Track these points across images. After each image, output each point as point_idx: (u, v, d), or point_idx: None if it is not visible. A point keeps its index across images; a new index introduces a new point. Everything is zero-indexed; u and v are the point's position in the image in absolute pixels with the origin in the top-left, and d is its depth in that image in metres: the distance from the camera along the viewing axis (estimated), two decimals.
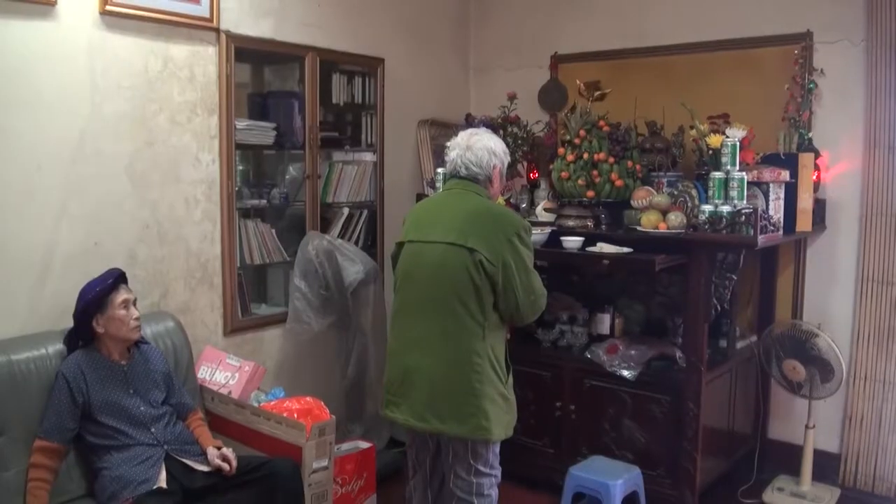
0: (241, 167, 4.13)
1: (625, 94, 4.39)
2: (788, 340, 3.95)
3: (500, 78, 5.17)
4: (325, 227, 4.35)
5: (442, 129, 4.80)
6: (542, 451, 4.05)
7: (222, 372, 3.56)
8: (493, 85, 5.15)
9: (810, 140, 4.02)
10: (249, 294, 4.09)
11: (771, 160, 3.84)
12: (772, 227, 3.49)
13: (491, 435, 2.81)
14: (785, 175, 3.72)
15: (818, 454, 4.08)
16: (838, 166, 4.11)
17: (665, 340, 3.94)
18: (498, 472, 2.97)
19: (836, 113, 4.09)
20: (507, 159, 3.01)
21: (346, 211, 4.46)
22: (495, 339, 2.85)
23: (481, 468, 2.89)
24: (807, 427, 4.01)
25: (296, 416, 3.28)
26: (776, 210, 3.68)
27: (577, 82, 4.29)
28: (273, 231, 4.13)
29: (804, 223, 3.85)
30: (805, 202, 3.84)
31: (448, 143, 3.01)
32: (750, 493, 4.07)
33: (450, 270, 2.78)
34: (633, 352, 3.79)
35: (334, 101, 4.44)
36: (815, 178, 3.96)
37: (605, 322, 4.04)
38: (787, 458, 4.20)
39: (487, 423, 2.78)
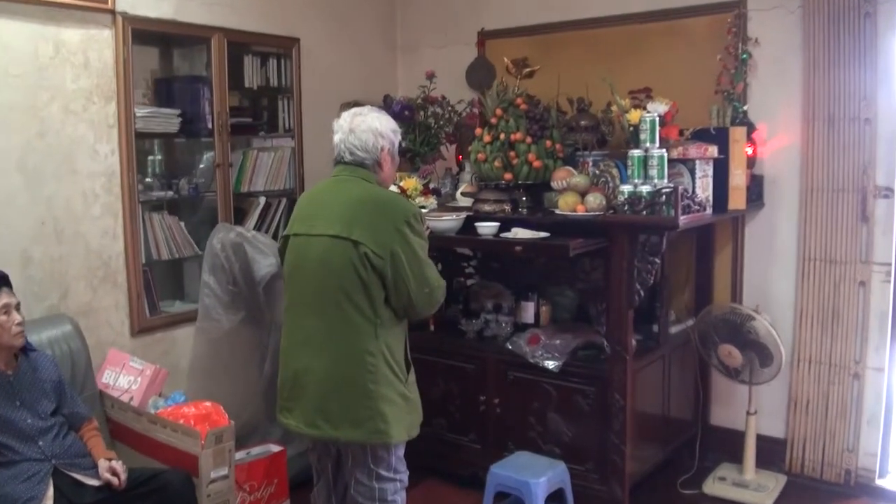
0: (149, 157, 3.98)
1: (554, 70, 4.16)
2: (723, 324, 3.80)
3: (427, 57, 5.01)
4: (240, 218, 4.19)
5: None
6: (469, 446, 3.85)
7: (126, 376, 3.41)
8: (420, 64, 4.94)
9: (745, 113, 3.89)
10: (158, 291, 3.93)
11: (701, 135, 3.67)
12: (696, 207, 3.32)
13: (390, 438, 2.66)
14: (713, 151, 3.55)
15: (763, 440, 3.98)
16: (776, 140, 3.98)
17: (593, 328, 3.77)
18: (403, 475, 2.82)
19: (772, 84, 3.96)
20: (396, 139, 2.83)
21: (262, 200, 4.31)
22: (390, 335, 2.68)
23: (383, 473, 2.74)
24: (748, 413, 3.91)
25: (192, 422, 3.11)
26: (704, 188, 3.52)
27: (505, 59, 4.09)
28: (181, 224, 3.97)
29: (737, 201, 3.70)
30: (737, 179, 3.69)
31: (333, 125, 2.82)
32: (690, 483, 3.95)
33: (335, 265, 2.61)
34: (557, 341, 3.61)
35: (247, 84, 4.29)
36: (751, 152, 3.84)
37: (529, 310, 3.85)
38: (730, 445, 4.09)
39: (385, 426, 2.64)
